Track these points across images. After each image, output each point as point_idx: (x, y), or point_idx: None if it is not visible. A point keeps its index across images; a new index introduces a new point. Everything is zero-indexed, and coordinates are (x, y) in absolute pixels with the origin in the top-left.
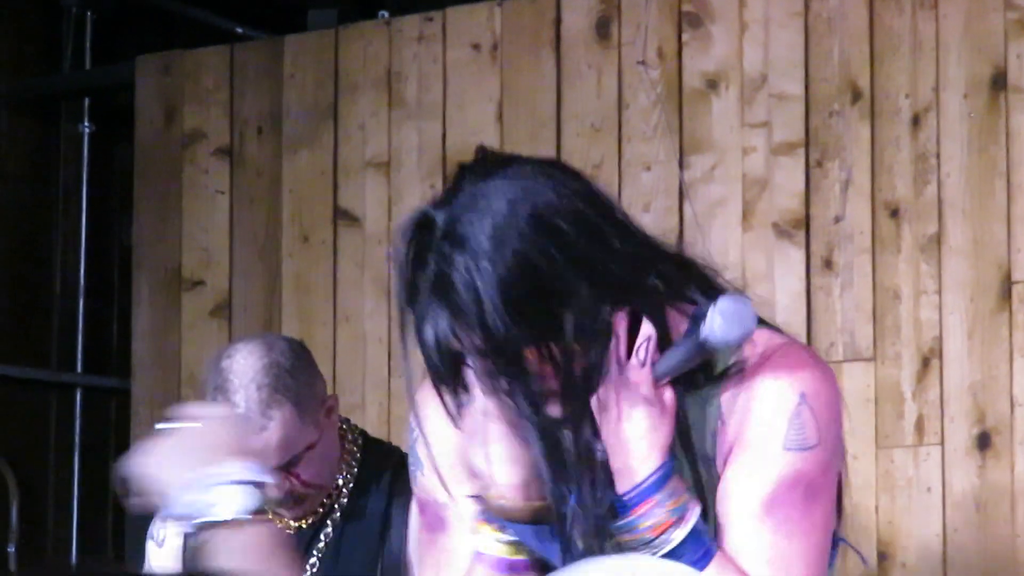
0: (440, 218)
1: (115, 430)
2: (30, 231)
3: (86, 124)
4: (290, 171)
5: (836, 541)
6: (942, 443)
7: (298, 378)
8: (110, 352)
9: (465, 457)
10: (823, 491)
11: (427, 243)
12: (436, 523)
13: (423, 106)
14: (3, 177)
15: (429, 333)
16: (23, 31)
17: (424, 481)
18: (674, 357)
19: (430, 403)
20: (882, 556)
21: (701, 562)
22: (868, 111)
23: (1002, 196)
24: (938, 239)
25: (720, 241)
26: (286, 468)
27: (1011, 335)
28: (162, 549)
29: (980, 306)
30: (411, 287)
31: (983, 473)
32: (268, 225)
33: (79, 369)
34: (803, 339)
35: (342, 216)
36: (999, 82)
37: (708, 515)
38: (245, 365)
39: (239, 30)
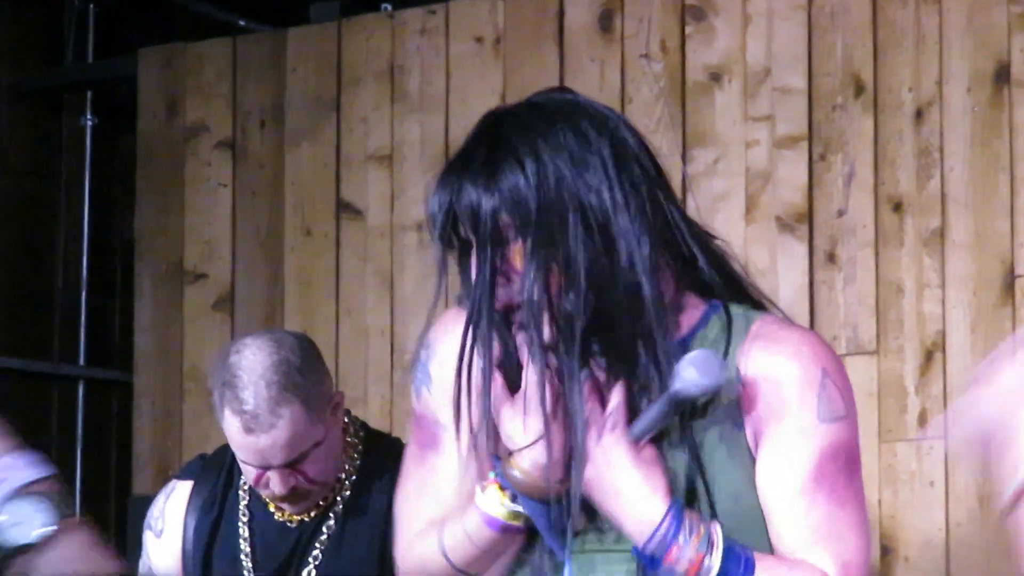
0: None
1: (117, 423)
2: (32, 224)
3: (88, 117)
4: (292, 164)
5: None
6: (945, 437)
7: (307, 376)
8: (112, 345)
9: (497, 415)
10: (858, 460)
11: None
12: (430, 440)
13: (426, 99)
14: (5, 170)
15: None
16: (25, 24)
17: (428, 399)
18: (648, 416)
19: (456, 331)
20: (885, 550)
21: (747, 573)
22: (871, 105)
23: (1005, 190)
24: (941, 233)
25: (723, 235)
26: (292, 465)
27: (1014, 329)
28: (161, 539)
29: (983, 300)
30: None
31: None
32: (270, 218)
33: (81, 362)
34: None
35: (344, 209)
36: (1002, 76)
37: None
38: (254, 361)
39: (241, 23)
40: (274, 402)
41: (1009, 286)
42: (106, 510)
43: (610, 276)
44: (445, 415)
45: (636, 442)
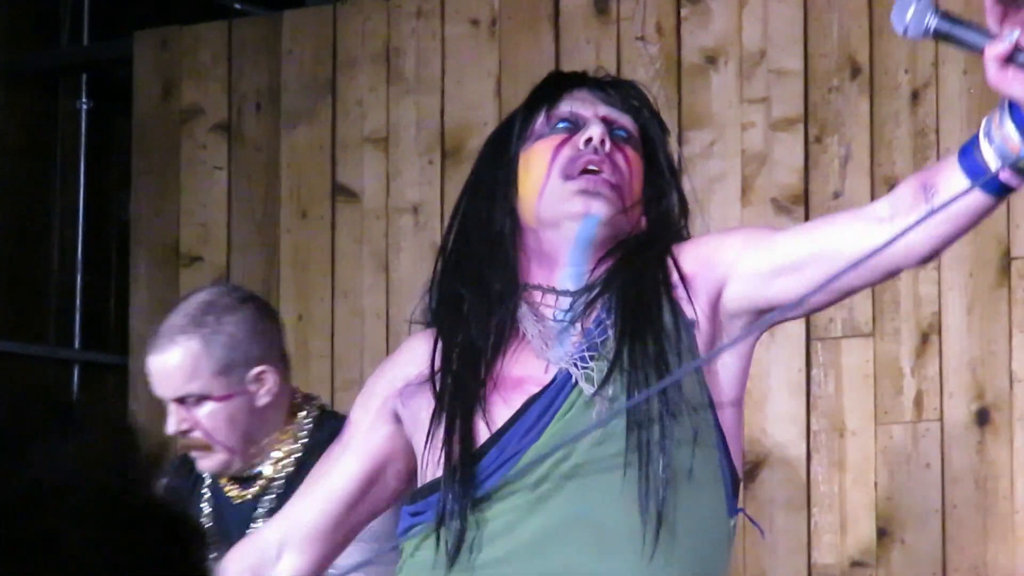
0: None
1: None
2: (28, 207)
3: (84, 100)
4: (288, 147)
5: (735, 511)
6: (941, 419)
7: (223, 323)
8: (108, 328)
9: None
10: None
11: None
12: (341, 435)
13: (422, 81)
14: (1, 152)
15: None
16: (20, 6)
17: (358, 397)
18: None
19: (416, 349)
20: (881, 532)
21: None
22: (867, 86)
23: None
24: None
25: (719, 217)
26: (183, 406)
27: (1010, 311)
28: None
29: (979, 282)
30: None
31: (982, 449)
32: (266, 201)
33: (77, 345)
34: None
35: (340, 192)
36: None
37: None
38: (192, 297)
39: (237, 6)
40: (178, 329)
41: (1005, 268)
42: None
43: None
44: (359, 411)
45: None
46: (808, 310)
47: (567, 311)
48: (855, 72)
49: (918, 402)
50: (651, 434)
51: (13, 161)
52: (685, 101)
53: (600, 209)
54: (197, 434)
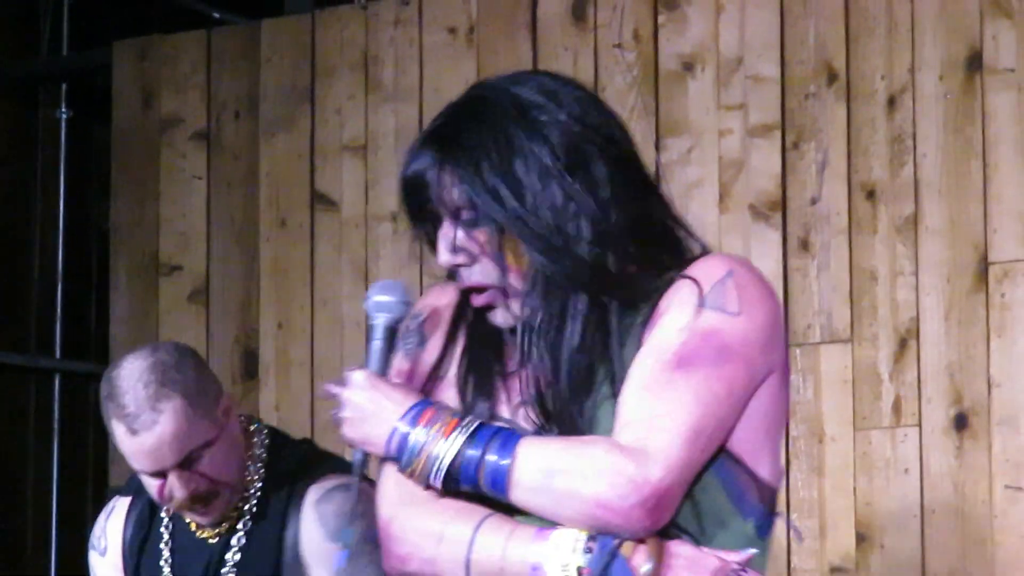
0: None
1: (94, 415)
2: (8, 216)
3: (63, 109)
4: (267, 155)
5: (773, 515)
6: (919, 424)
7: (185, 373)
8: (88, 337)
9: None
10: (737, 360)
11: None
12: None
13: (400, 90)
14: None
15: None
16: None
17: (422, 357)
18: (375, 350)
19: (445, 301)
20: (860, 537)
21: (511, 438)
22: (844, 92)
23: (978, 177)
24: (914, 220)
25: (697, 223)
26: (187, 467)
27: (988, 316)
28: (105, 558)
29: (957, 287)
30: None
31: (961, 454)
32: (245, 209)
33: (57, 354)
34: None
35: (319, 200)
36: (975, 63)
37: None
38: (131, 368)
39: (216, 15)
40: (154, 399)
41: (983, 273)
42: (83, 502)
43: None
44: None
45: (382, 375)
46: None
47: None
48: (832, 78)
49: (896, 407)
50: None
51: None
52: (662, 108)
53: (504, 318)
54: (203, 485)
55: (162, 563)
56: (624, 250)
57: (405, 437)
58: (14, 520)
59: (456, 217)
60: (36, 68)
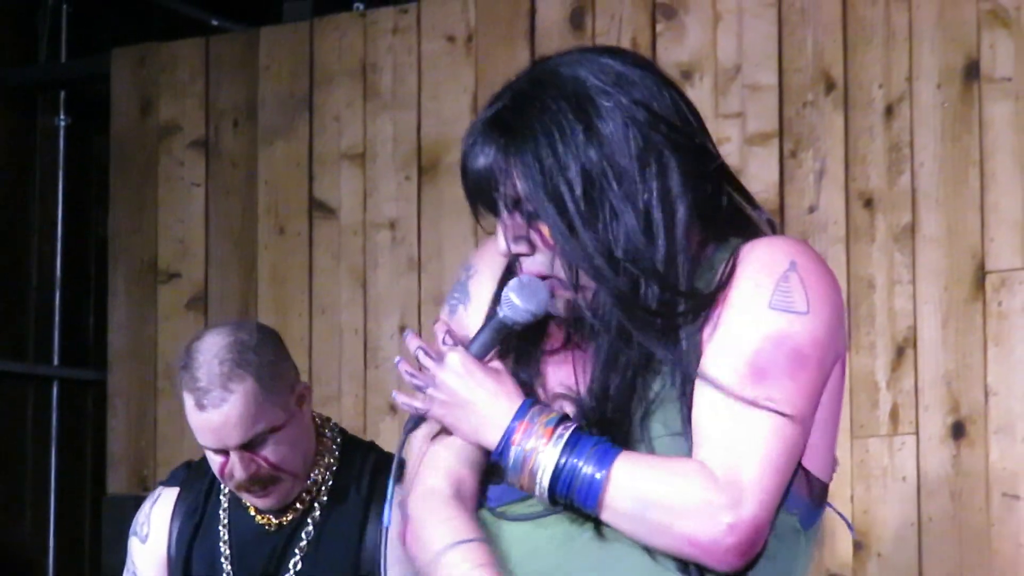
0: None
1: (92, 422)
2: (6, 223)
3: (62, 116)
4: (265, 163)
5: (820, 507)
6: (917, 432)
7: (262, 355)
8: (87, 344)
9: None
10: (810, 364)
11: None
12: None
13: (398, 97)
14: None
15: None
16: None
17: (463, 316)
18: (482, 337)
19: (497, 257)
20: (857, 546)
21: (607, 452)
22: (842, 101)
23: (975, 185)
24: (912, 229)
25: None
26: (250, 448)
27: (985, 324)
28: (146, 545)
29: (954, 295)
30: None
31: (958, 462)
32: (244, 217)
33: (56, 362)
34: None
35: (317, 207)
36: (972, 72)
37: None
38: (211, 343)
39: (214, 22)
40: (226, 378)
41: (980, 281)
42: (81, 509)
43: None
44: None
45: (480, 359)
46: None
47: None
48: (829, 87)
49: (894, 415)
50: None
51: None
52: None
53: (564, 307)
54: (264, 468)
55: (221, 546)
56: (687, 238)
57: (507, 447)
58: (12, 527)
59: (518, 208)
60: (35, 75)
